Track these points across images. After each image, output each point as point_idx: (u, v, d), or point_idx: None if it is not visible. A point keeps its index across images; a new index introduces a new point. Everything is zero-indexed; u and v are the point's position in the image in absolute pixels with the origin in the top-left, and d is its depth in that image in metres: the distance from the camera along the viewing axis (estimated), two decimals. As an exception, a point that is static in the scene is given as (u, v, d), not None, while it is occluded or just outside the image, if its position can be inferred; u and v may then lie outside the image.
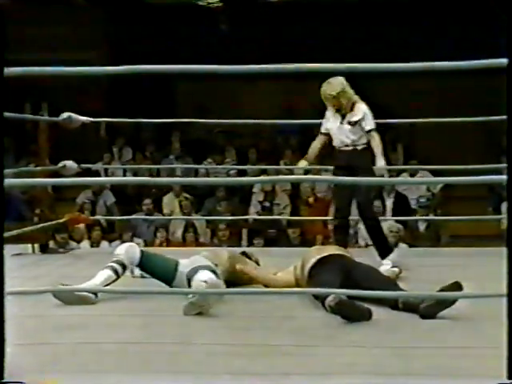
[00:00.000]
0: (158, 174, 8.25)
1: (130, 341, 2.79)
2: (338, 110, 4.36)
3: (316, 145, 4.50)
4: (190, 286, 3.47)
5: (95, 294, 3.41)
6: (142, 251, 3.63)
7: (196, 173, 8.62)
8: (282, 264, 4.07)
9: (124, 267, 3.56)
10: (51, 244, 6.00)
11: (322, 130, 4.49)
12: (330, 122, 4.41)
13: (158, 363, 2.52)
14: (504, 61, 2.16)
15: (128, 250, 3.61)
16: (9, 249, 5.31)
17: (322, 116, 4.52)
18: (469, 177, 2.71)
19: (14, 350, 2.63)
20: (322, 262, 3.58)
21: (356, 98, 4.36)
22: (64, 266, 4.73)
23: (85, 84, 8.29)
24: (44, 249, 5.41)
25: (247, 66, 2.70)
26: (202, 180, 7.12)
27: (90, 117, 5.31)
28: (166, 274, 3.60)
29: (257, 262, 4.02)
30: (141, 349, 2.70)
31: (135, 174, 7.88)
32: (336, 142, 4.41)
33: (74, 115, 5.11)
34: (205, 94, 9.80)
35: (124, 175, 7.83)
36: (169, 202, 8.74)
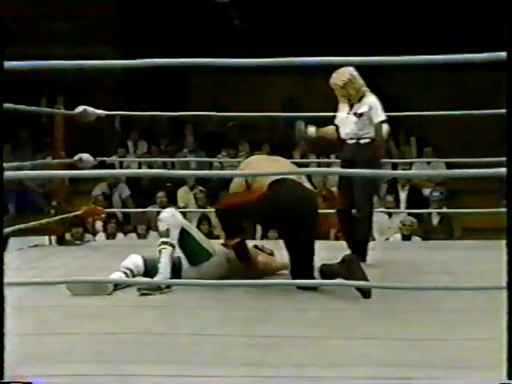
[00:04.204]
0: (172, 167, 8.28)
1: (146, 331, 2.82)
2: (348, 101, 4.36)
3: (329, 128, 4.48)
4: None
5: (114, 285, 3.48)
6: (144, 259, 3.72)
7: (210, 166, 8.65)
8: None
9: (133, 273, 3.67)
10: (67, 236, 6.07)
11: (335, 121, 4.49)
12: (339, 111, 4.40)
13: (173, 354, 2.55)
14: (503, 54, 2.17)
15: (132, 261, 3.72)
16: (26, 241, 5.40)
17: (333, 110, 4.53)
18: (469, 170, 2.70)
19: (30, 339, 2.68)
20: None
21: (366, 89, 4.33)
22: (80, 257, 4.77)
23: (100, 78, 8.33)
24: (60, 241, 5.47)
25: (260, 60, 2.71)
26: (216, 173, 7.14)
27: (104, 110, 5.35)
28: (172, 273, 3.65)
29: (271, 254, 4.06)
30: (156, 339, 2.73)
31: (150, 168, 7.93)
32: (342, 134, 4.39)
33: (89, 109, 5.15)
34: (218, 88, 9.82)
35: (139, 168, 7.87)
36: (183, 195, 8.78)
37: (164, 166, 8.14)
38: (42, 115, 8.77)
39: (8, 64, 2.27)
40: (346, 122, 4.35)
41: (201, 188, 8.69)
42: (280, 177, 3.60)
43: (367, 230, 4.38)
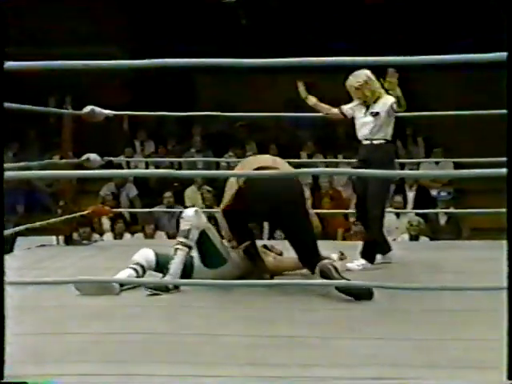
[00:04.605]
0: (179, 167, 8.30)
1: (154, 331, 2.82)
2: (364, 102, 4.40)
3: (327, 106, 4.55)
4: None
5: (120, 285, 3.48)
6: (156, 254, 3.71)
7: (217, 166, 8.66)
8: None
9: (143, 269, 3.66)
10: (75, 236, 6.08)
11: (342, 107, 4.51)
12: (356, 113, 4.44)
13: (181, 354, 2.55)
14: (504, 54, 2.17)
15: (143, 255, 3.71)
16: (35, 240, 5.40)
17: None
18: (471, 170, 2.70)
19: (37, 338, 2.69)
20: None
21: (382, 91, 4.37)
22: (87, 257, 4.78)
23: (108, 78, 8.34)
24: (68, 240, 5.48)
25: (267, 60, 2.71)
26: (223, 173, 7.15)
27: (112, 110, 5.36)
28: (183, 273, 3.65)
29: (281, 254, 4.07)
30: (164, 339, 2.73)
31: (157, 168, 7.94)
32: (358, 135, 4.44)
33: (97, 108, 5.16)
34: (226, 88, 9.82)
35: (146, 168, 7.88)
36: (191, 194, 8.79)
37: (171, 165, 8.16)
38: (50, 115, 8.80)
39: (8, 64, 2.27)
40: (362, 124, 4.40)
41: (208, 188, 8.69)
42: (256, 166, 3.69)
43: (378, 229, 4.37)
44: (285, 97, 9.44)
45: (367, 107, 4.38)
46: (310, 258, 3.58)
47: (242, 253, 3.79)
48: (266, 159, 3.85)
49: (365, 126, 4.38)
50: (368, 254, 4.30)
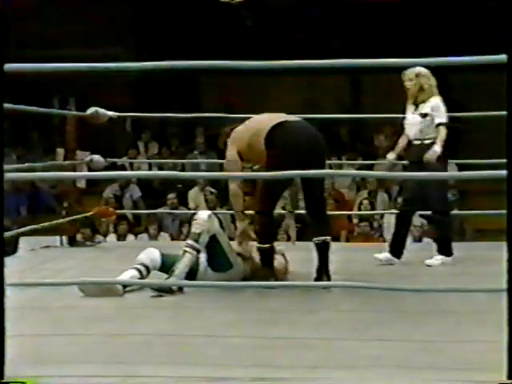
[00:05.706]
0: (183, 168, 8.30)
1: (158, 333, 2.83)
2: (414, 100, 4.39)
3: (401, 142, 4.55)
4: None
5: (124, 286, 3.48)
6: (162, 254, 3.71)
7: (220, 168, 8.65)
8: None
9: (148, 269, 3.65)
10: (78, 237, 6.08)
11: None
12: (407, 114, 4.46)
13: (185, 355, 2.55)
14: (503, 57, 2.17)
15: (148, 255, 3.70)
16: (38, 241, 5.41)
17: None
18: (468, 172, 2.73)
19: (41, 339, 2.69)
20: None
21: (434, 92, 4.37)
22: (91, 258, 4.79)
23: (111, 79, 8.35)
24: (72, 242, 5.48)
25: (272, 62, 2.72)
26: (226, 174, 7.14)
27: (116, 112, 5.36)
28: (187, 275, 3.65)
29: (283, 255, 4.06)
30: (168, 341, 2.73)
31: (161, 169, 7.95)
32: (410, 136, 4.46)
33: (100, 110, 5.17)
34: (229, 89, 9.82)
35: (150, 170, 7.89)
36: (194, 196, 8.79)
37: (174, 167, 8.16)
38: (54, 116, 8.81)
39: (8, 66, 2.27)
40: (412, 123, 4.41)
41: (211, 189, 8.69)
42: (281, 120, 3.67)
43: (448, 228, 4.53)
44: (290, 98, 9.48)
45: (416, 106, 4.38)
46: (319, 215, 3.70)
47: (257, 252, 3.77)
48: (277, 115, 3.80)
49: (413, 126, 4.39)
50: (443, 249, 4.39)
